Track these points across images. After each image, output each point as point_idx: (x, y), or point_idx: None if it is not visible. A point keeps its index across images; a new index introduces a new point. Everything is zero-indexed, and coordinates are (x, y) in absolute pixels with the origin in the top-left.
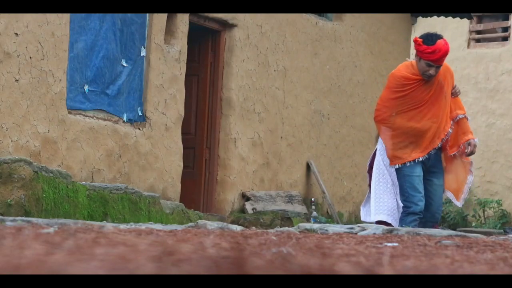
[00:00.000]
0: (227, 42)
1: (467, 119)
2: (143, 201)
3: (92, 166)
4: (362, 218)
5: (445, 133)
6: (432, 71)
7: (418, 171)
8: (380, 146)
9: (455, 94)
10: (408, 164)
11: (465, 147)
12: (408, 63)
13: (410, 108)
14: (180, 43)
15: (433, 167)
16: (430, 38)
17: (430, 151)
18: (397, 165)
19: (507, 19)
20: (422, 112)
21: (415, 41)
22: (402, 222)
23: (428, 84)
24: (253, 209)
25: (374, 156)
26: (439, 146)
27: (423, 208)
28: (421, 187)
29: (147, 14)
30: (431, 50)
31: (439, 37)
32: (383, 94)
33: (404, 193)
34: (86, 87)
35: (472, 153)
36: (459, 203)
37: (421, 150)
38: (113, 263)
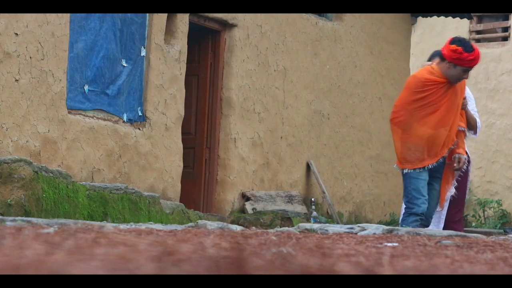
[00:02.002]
0: (227, 42)
1: (465, 134)
2: (143, 201)
3: (92, 166)
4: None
5: (453, 142)
6: (466, 76)
7: (425, 175)
8: None
9: (463, 106)
10: (418, 170)
11: (454, 160)
12: (428, 67)
13: (426, 112)
14: (180, 43)
15: (436, 172)
16: (466, 45)
17: (439, 159)
18: (406, 169)
19: (507, 19)
20: (437, 118)
21: (455, 50)
22: (403, 222)
23: (445, 89)
24: (253, 209)
25: None
26: (447, 154)
27: (426, 210)
28: (425, 191)
29: (147, 14)
30: (473, 57)
31: (470, 41)
32: (401, 96)
33: (408, 195)
34: (86, 87)
35: (459, 169)
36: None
37: (432, 157)
38: (113, 263)
